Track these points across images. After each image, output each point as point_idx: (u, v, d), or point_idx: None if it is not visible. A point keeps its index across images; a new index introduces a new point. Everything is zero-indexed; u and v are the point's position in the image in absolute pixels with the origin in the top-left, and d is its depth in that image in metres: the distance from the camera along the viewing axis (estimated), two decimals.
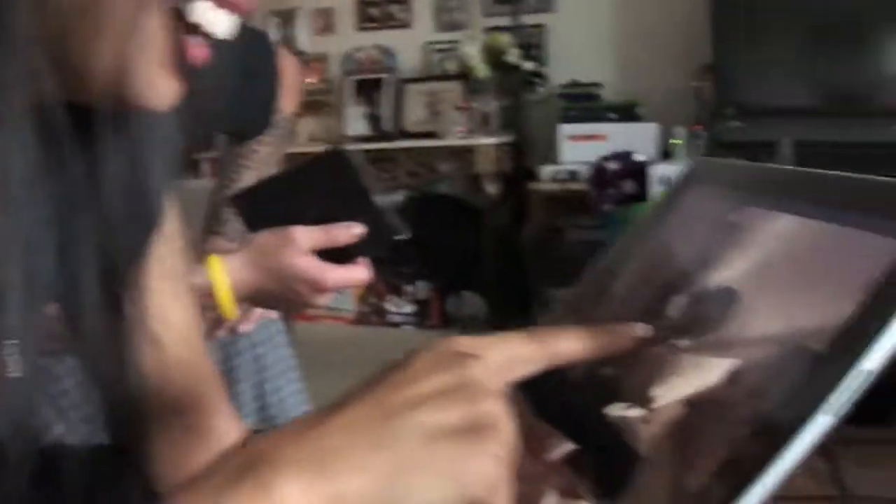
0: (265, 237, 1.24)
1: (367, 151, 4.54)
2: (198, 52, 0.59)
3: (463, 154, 4.43)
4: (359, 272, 1.26)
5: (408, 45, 5.11)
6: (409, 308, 4.71)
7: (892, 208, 0.48)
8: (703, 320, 0.56)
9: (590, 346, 0.57)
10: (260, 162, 1.61)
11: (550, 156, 4.43)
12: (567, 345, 0.57)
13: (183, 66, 0.59)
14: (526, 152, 4.71)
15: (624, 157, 3.74)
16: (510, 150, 4.62)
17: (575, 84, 4.58)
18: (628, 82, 4.61)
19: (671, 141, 4.11)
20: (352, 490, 0.50)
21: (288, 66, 1.60)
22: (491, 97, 4.75)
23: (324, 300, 1.28)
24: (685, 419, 0.52)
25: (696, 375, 0.54)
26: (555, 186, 4.20)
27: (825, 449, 2.74)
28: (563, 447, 0.59)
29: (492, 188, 4.43)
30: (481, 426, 0.51)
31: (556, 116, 4.47)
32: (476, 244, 4.59)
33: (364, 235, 1.22)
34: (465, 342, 0.55)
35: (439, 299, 4.67)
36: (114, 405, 0.79)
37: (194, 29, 0.58)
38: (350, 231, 1.21)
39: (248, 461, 0.50)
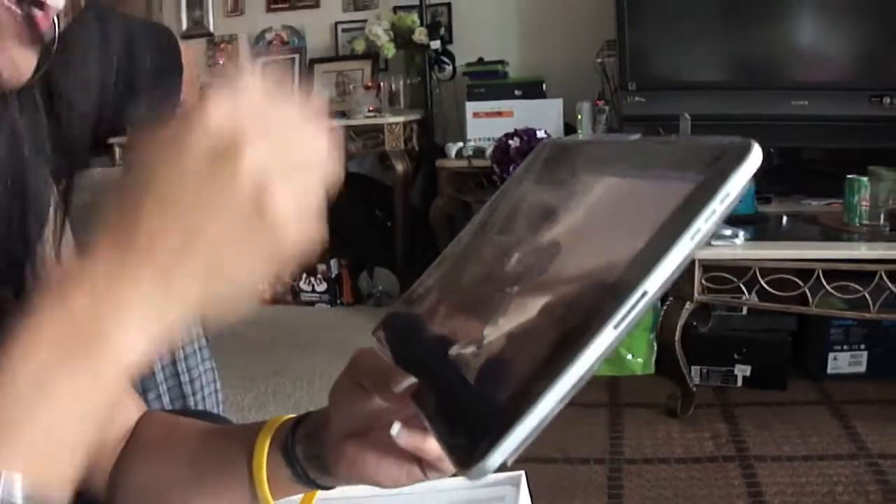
0: None
1: None
2: (43, 22, 0.63)
3: (372, 133, 4.44)
4: None
5: (316, 26, 5.11)
6: (321, 286, 4.73)
7: (688, 162, 0.54)
8: (532, 270, 0.63)
9: None
10: None
11: (458, 133, 4.48)
12: None
13: (36, 38, 0.64)
14: (434, 130, 4.75)
15: (526, 133, 3.79)
16: (419, 128, 4.66)
17: (481, 62, 4.62)
18: (534, 59, 4.67)
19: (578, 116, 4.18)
20: (189, 299, 0.54)
21: (189, 59, 1.63)
22: (399, 76, 4.78)
23: None
24: (504, 348, 0.59)
25: (519, 314, 0.61)
26: (462, 163, 4.25)
27: (726, 412, 2.84)
28: (409, 381, 0.66)
29: (401, 166, 4.46)
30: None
31: (463, 94, 4.52)
32: (387, 221, 4.63)
33: None
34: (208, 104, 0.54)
35: (351, 277, 4.70)
36: None
37: (38, 4, 0.62)
38: None
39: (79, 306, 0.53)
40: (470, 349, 0.63)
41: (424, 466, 0.71)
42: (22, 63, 0.65)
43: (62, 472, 0.52)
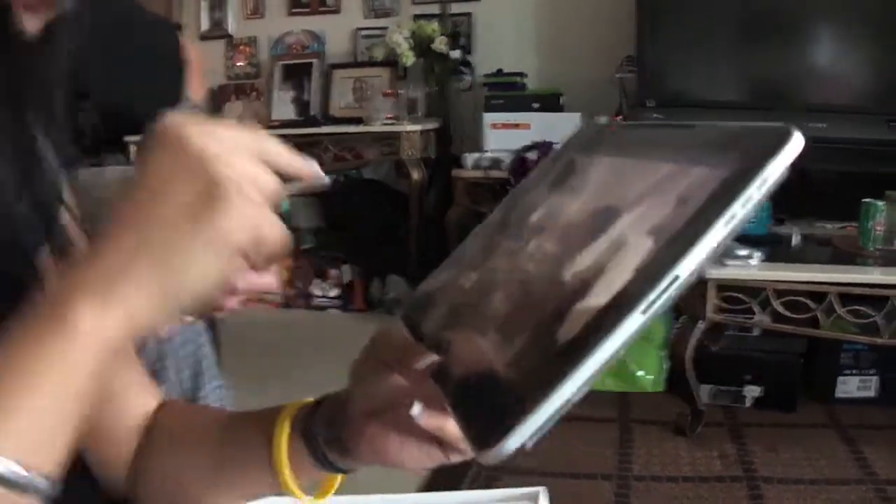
0: None
1: (294, 136, 4.56)
2: None
3: (389, 140, 4.47)
4: (268, 279, 1.35)
5: (337, 31, 5.13)
6: (334, 292, 4.75)
7: (727, 147, 0.54)
8: (562, 253, 0.63)
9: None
10: None
11: (475, 143, 4.49)
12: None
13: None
14: (451, 139, 4.76)
15: (544, 146, 3.81)
16: (436, 137, 4.67)
17: (500, 73, 4.63)
18: (553, 72, 4.68)
19: None
20: (139, 307, 0.58)
21: (194, 55, 1.65)
22: (418, 84, 4.81)
23: (233, 303, 1.35)
24: (529, 330, 0.59)
25: (545, 296, 0.60)
26: (478, 173, 4.26)
27: (734, 432, 2.84)
28: (430, 358, 0.67)
29: (417, 174, 4.48)
30: (213, 191, 0.59)
31: (482, 105, 4.53)
32: (401, 229, 4.64)
33: None
34: (180, 124, 0.61)
35: (363, 283, 4.71)
36: None
37: None
38: None
39: (47, 298, 0.59)
40: (493, 330, 0.62)
41: (446, 448, 0.72)
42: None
43: (51, 452, 0.58)
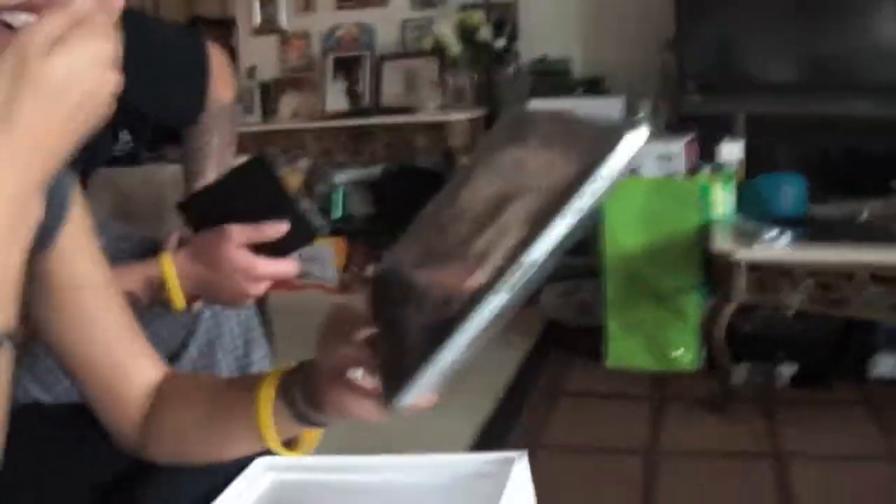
0: (205, 234, 1.42)
1: (347, 127, 4.68)
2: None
3: (438, 128, 4.56)
4: (287, 265, 1.45)
5: (385, 23, 5.23)
6: None
7: (579, 143, 0.66)
8: (455, 235, 0.75)
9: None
10: (216, 149, 1.77)
11: None
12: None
13: None
14: None
15: None
16: (484, 125, 4.74)
17: (544, 59, 4.70)
18: (596, 57, 4.73)
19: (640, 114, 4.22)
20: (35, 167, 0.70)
21: (218, 60, 1.76)
22: (464, 73, 4.88)
23: (259, 289, 1.45)
24: (429, 304, 0.72)
25: (438, 279, 0.73)
26: None
27: (767, 410, 2.89)
28: (367, 332, 0.83)
29: (465, 161, 4.55)
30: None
31: (527, 91, 4.59)
32: None
33: (289, 232, 1.39)
34: None
35: None
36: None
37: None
38: (276, 228, 1.39)
39: None
40: (412, 305, 0.75)
41: None
42: None
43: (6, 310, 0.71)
